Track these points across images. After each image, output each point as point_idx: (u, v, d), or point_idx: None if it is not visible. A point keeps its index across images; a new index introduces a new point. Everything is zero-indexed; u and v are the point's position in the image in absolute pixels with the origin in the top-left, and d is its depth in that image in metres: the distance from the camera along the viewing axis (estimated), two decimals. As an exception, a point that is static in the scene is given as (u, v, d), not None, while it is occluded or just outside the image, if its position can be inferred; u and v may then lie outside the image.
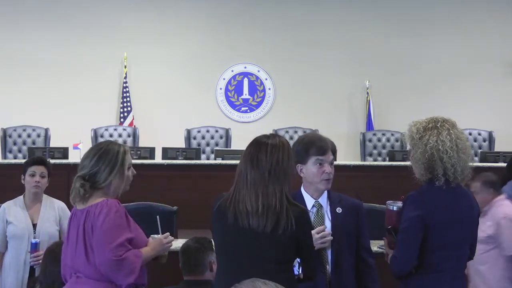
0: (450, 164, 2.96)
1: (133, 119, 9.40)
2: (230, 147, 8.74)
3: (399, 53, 9.89)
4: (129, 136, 8.89)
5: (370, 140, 9.19)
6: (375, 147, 9.16)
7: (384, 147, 9.12)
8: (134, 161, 3.23)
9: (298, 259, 2.83)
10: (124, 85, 9.45)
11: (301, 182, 3.25)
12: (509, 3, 10.09)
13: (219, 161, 7.35)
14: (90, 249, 2.89)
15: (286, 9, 9.84)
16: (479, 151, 8.65)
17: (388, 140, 9.17)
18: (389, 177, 6.92)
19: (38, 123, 8.81)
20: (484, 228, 4.33)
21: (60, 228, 4.44)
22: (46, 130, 8.71)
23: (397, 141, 9.07)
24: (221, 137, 8.98)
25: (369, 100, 9.74)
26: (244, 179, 2.75)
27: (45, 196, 4.48)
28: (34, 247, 4.12)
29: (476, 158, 8.10)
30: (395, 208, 3.08)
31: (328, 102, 9.81)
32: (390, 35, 9.88)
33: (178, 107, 9.59)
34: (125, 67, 9.47)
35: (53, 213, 4.43)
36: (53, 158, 6.93)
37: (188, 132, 8.91)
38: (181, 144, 8.68)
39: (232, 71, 9.88)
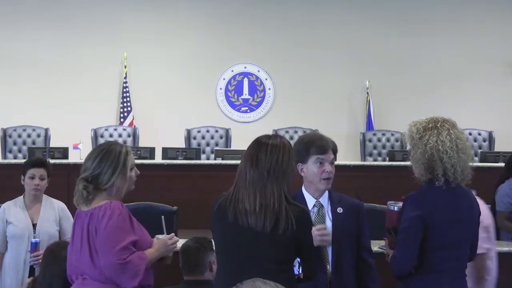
0: (450, 164, 2.96)
1: (133, 119, 9.40)
2: (230, 147, 8.74)
3: (399, 53, 9.89)
4: (129, 136, 8.89)
5: (370, 140, 9.19)
6: (375, 147, 9.16)
7: (384, 147, 9.12)
8: (133, 161, 3.21)
9: (298, 259, 2.83)
10: (124, 85, 9.45)
11: (302, 182, 3.25)
12: (509, 3, 10.09)
13: (219, 161, 7.35)
14: (95, 252, 2.88)
15: (286, 9, 9.84)
16: (479, 151, 8.65)
17: (388, 140, 9.17)
18: (389, 177, 6.93)
19: (38, 123, 8.81)
20: None
21: (60, 228, 4.45)
22: (46, 130, 8.71)
23: (397, 141, 9.07)
24: (221, 137, 8.98)
25: (369, 100, 9.74)
26: (244, 178, 2.76)
27: (45, 196, 4.48)
28: (34, 246, 4.12)
29: (476, 158, 8.10)
30: (396, 209, 3.09)
31: (328, 102, 9.81)
32: (390, 35, 9.88)
33: (178, 107, 9.59)
34: (125, 67, 9.47)
35: (53, 213, 4.43)
36: (53, 158, 6.93)
37: (188, 132, 8.91)
38: (181, 144, 8.68)
39: (232, 71, 9.89)
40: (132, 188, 3.06)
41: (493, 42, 9.95)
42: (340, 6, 9.88)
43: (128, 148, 3.06)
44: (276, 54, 9.84)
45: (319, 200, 3.20)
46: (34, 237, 4.27)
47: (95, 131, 8.75)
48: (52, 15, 9.46)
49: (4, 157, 8.53)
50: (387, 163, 7.84)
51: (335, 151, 3.20)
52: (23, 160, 5.94)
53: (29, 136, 8.71)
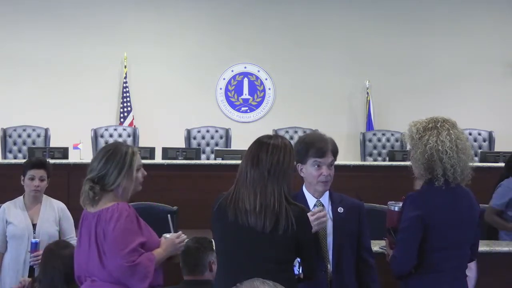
0: (450, 164, 2.96)
1: (133, 119, 9.41)
2: (230, 147, 8.74)
3: (399, 53, 9.89)
4: (129, 136, 8.88)
5: (370, 140, 9.20)
6: (375, 147, 9.16)
7: (384, 147, 9.12)
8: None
9: (298, 259, 2.83)
10: (124, 85, 9.45)
11: (303, 182, 3.25)
12: (509, 3, 10.09)
13: (219, 161, 7.35)
14: (104, 254, 2.87)
15: (286, 9, 9.84)
16: (479, 151, 8.65)
17: (388, 140, 9.17)
18: (389, 177, 6.93)
19: (38, 123, 8.81)
20: None
21: (60, 228, 4.45)
22: (46, 130, 8.71)
23: (397, 141, 9.07)
24: (221, 137, 8.98)
25: (369, 100, 9.74)
26: (244, 178, 2.76)
27: (45, 197, 4.48)
28: (34, 246, 4.13)
29: (476, 158, 8.11)
30: (396, 209, 3.09)
31: (328, 102, 9.82)
32: (390, 35, 9.88)
33: (178, 107, 9.60)
34: (125, 67, 9.47)
35: (52, 214, 4.43)
36: (53, 158, 6.94)
37: (188, 132, 8.91)
38: (181, 144, 8.68)
39: (232, 71, 9.89)
40: (139, 189, 3.05)
41: (493, 42, 9.95)
42: (340, 6, 9.88)
43: (134, 149, 3.04)
44: (276, 54, 9.84)
45: (320, 200, 3.20)
46: (34, 237, 4.27)
47: (95, 131, 8.75)
48: (52, 15, 9.47)
49: (4, 157, 8.53)
50: (387, 163, 7.84)
51: (335, 153, 3.18)
52: (23, 160, 5.94)
53: (29, 136, 8.71)
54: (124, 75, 9.46)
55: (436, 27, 9.94)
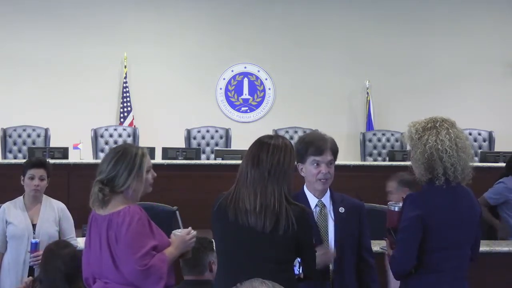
0: (450, 163, 2.95)
1: (133, 119, 9.41)
2: (230, 147, 8.74)
3: (399, 53, 9.89)
4: (129, 136, 8.88)
5: (370, 140, 9.20)
6: (375, 147, 9.16)
7: (384, 147, 9.12)
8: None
9: (298, 259, 2.83)
10: (124, 85, 9.45)
11: (303, 182, 3.25)
12: (509, 3, 10.09)
13: (219, 161, 7.35)
14: (117, 258, 2.86)
15: (286, 9, 9.84)
16: (479, 151, 8.65)
17: (388, 140, 9.17)
18: (389, 177, 6.91)
19: (38, 123, 8.81)
20: None
21: (60, 228, 4.45)
22: (46, 130, 8.71)
23: (397, 141, 9.07)
24: (221, 137, 8.98)
25: (369, 100, 9.74)
26: (245, 178, 2.76)
27: (44, 197, 4.48)
28: (34, 247, 4.13)
29: (476, 158, 8.11)
30: (396, 209, 3.09)
31: (328, 102, 9.81)
32: (390, 35, 9.88)
33: (178, 107, 9.59)
34: (125, 67, 9.47)
35: (52, 214, 4.43)
36: (53, 158, 6.94)
37: (188, 132, 8.91)
38: (181, 144, 8.68)
39: (232, 71, 9.89)
40: (149, 190, 3.03)
41: (493, 42, 9.95)
42: (340, 6, 9.88)
43: (144, 150, 3.02)
44: (276, 54, 9.84)
45: (321, 200, 3.20)
46: (34, 238, 4.27)
47: (95, 131, 8.75)
48: (52, 15, 9.46)
49: (4, 157, 8.53)
50: (387, 163, 7.84)
51: (334, 152, 3.18)
52: (23, 160, 5.94)
53: (29, 136, 8.71)
54: (124, 75, 9.46)
55: (436, 27, 9.94)
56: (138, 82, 9.55)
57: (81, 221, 5.29)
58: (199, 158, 7.55)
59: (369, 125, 9.67)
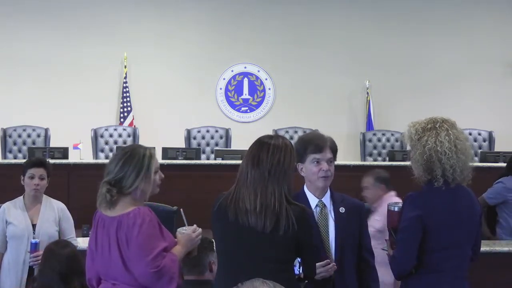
0: (449, 165, 2.95)
1: (133, 119, 9.40)
2: (230, 147, 8.74)
3: (399, 53, 9.89)
4: (129, 136, 8.88)
5: (370, 140, 9.20)
6: (375, 147, 9.16)
7: (384, 147, 9.12)
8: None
9: (298, 259, 2.83)
10: (124, 85, 9.45)
11: (303, 182, 3.25)
12: (509, 3, 10.09)
13: (219, 161, 7.35)
14: (127, 260, 2.84)
15: (286, 9, 9.84)
16: (479, 151, 8.65)
17: (388, 140, 9.17)
18: (389, 177, 6.91)
19: (38, 123, 8.81)
20: (373, 223, 4.40)
21: (60, 228, 4.45)
22: (46, 130, 8.71)
23: (397, 141, 9.07)
24: (221, 137, 8.98)
25: (369, 100, 9.74)
26: (245, 178, 2.77)
27: (44, 197, 4.49)
28: (34, 247, 4.13)
29: (476, 158, 8.11)
30: (396, 209, 3.09)
31: (328, 102, 9.81)
32: (390, 35, 9.88)
33: (178, 107, 9.59)
34: (125, 67, 9.47)
35: (52, 214, 4.44)
36: (53, 158, 6.94)
37: (188, 132, 8.91)
38: (181, 144, 8.68)
39: (232, 71, 9.89)
40: (156, 191, 3.02)
41: (493, 42, 9.95)
42: (340, 6, 9.88)
43: (152, 151, 3.02)
44: (276, 54, 9.84)
45: (322, 200, 3.20)
46: (34, 238, 4.27)
47: (95, 131, 8.75)
48: (52, 15, 9.46)
49: (4, 157, 8.53)
50: (387, 163, 7.84)
51: (334, 150, 3.18)
52: (23, 160, 5.95)
53: (29, 136, 8.71)
54: (124, 75, 9.46)
55: (436, 27, 9.94)
56: (138, 82, 9.55)
57: (81, 221, 5.31)
58: (199, 158, 7.55)
59: (369, 125, 9.67)
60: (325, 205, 3.19)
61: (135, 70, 9.54)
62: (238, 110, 9.88)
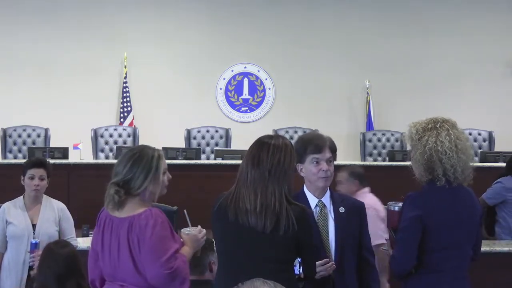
0: (450, 164, 2.95)
1: (133, 119, 9.40)
2: (230, 147, 8.74)
3: (399, 53, 9.89)
4: (129, 136, 8.88)
5: (370, 140, 9.19)
6: (375, 147, 9.16)
7: (384, 147, 9.12)
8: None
9: (298, 259, 2.83)
10: (124, 85, 9.45)
11: (303, 182, 3.25)
12: (509, 3, 10.09)
13: (219, 161, 7.35)
14: (139, 261, 2.82)
15: (286, 9, 9.84)
16: (479, 151, 8.65)
17: (388, 140, 9.17)
18: (389, 177, 6.92)
19: (38, 123, 8.81)
20: None
21: (60, 228, 4.45)
22: (46, 130, 8.71)
23: (397, 141, 9.07)
24: (221, 137, 8.98)
25: (369, 100, 9.74)
26: (245, 178, 2.77)
27: (45, 197, 4.49)
28: (34, 247, 4.13)
29: (476, 158, 8.10)
30: (396, 209, 3.09)
31: (328, 102, 9.81)
32: (390, 35, 9.88)
33: (178, 107, 9.59)
34: (125, 67, 9.47)
35: (52, 214, 4.44)
36: (53, 158, 6.93)
37: (188, 132, 8.91)
38: (181, 144, 8.67)
39: (232, 71, 9.88)
40: (164, 192, 3.01)
41: (493, 42, 9.94)
42: (340, 6, 9.88)
43: (160, 152, 3.00)
44: (276, 54, 9.84)
45: (322, 199, 3.19)
46: (34, 238, 4.27)
47: (95, 131, 8.75)
48: (52, 15, 9.46)
49: (4, 157, 8.53)
50: (387, 163, 7.84)
51: (333, 150, 3.18)
52: (23, 160, 5.95)
53: (29, 136, 8.71)
54: (124, 75, 9.46)
55: (436, 27, 9.93)
56: (138, 82, 9.55)
57: (81, 221, 5.30)
58: (199, 158, 7.55)
59: (369, 125, 9.67)
60: (324, 205, 3.19)
61: (135, 70, 9.54)
62: (238, 110, 9.88)
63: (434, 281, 2.98)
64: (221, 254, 2.85)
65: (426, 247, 2.96)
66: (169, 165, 2.96)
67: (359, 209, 3.23)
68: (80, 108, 9.34)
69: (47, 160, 4.74)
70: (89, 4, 9.54)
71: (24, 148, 8.44)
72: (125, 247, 2.85)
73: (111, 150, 8.63)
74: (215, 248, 2.99)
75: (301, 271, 2.87)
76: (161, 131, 9.26)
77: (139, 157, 2.92)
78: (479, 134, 9.27)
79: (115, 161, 3.43)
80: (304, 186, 3.23)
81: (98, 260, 2.94)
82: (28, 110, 9.21)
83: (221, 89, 9.85)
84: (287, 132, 9.03)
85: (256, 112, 9.90)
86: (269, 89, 9.93)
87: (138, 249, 2.82)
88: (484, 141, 9.27)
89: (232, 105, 9.86)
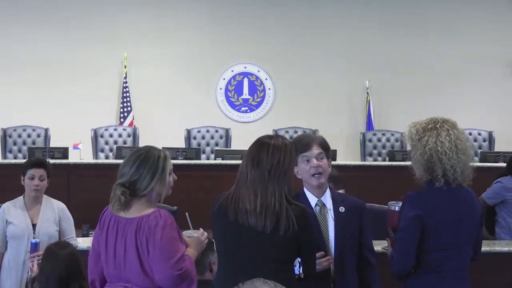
0: (449, 165, 2.95)
1: (133, 119, 9.40)
2: (230, 147, 8.74)
3: (399, 53, 9.89)
4: (129, 136, 8.88)
5: (370, 140, 9.19)
6: (375, 147, 9.16)
7: (384, 147, 9.12)
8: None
9: (298, 259, 2.83)
10: (124, 85, 9.45)
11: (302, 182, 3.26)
12: (509, 3, 10.09)
13: (219, 161, 7.35)
14: (147, 262, 2.82)
15: (286, 9, 9.84)
16: (479, 151, 8.65)
17: (388, 140, 9.17)
18: (389, 177, 6.93)
19: (38, 123, 8.81)
20: None
21: (60, 228, 4.46)
22: (46, 130, 8.71)
23: (397, 141, 9.07)
24: (221, 137, 8.98)
25: (369, 100, 9.74)
26: (245, 178, 2.77)
27: (45, 197, 4.49)
28: (34, 247, 4.13)
29: (476, 158, 8.10)
30: (396, 208, 3.09)
31: (328, 102, 9.81)
32: (390, 35, 9.88)
33: (178, 107, 9.59)
34: (125, 67, 9.47)
35: (52, 214, 4.44)
36: (53, 158, 6.93)
37: (188, 132, 8.91)
38: (181, 144, 8.68)
39: (232, 71, 9.88)
40: (169, 193, 3.01)
41: (493, 42, 9.94)
42: (340, 6, 9.88)
43: (166, 152, 2.99)
44: (276, 54, 9.84)
45: (321, 199, 3.19)
46: (34, 238, 4.28)
47: (95, 131, 8.75)
48: (52, 15, 9.46)
49: (4, 157, 8.53)
50: (387, 163, 7.84)
51: (323, 146, 3.17)
52: (23, 160, 5.95)
53: (29, 136, 8.71)
54: (124, 75, 9.46)
55: (436, 27, 9.94)
56: (138, 82, 9.55)
57: (81, 221, 5.30)
58: (199, 158, 7.55)
59: (369, 125, 9.67)
60: (324, 204, 3.19)
61: (135, 70, 9.54)
62: (238, 110, 9.88)
63: (433, 281, 2.98)
64: (221, 254, 2.85)
65: (426, 247, 2.96)
66: (169, 165, 2.97)
67: (360, 209, 3.23)
68: (80, 108, 9.33)
69: (47, 160, 4.74)
70: (89, 4, 9.54)
71: (24, 148, 8.44)
72: (132, 247, 2.84)
73: (111, 150, 8.63)
74: (215, 248, 2.99)
75: (301, 271, 2.87)
76: (161, 131, 9.26)
77: (145, 158, 2.92)
78: (479, 134, 9.27)
79: (115, 161, 3.44)
80: (304, 186, 3.24)
81: (99, 260, 2.93)
82: (28, 110, 9.21)
83: (221, 89, 9.85)
84: (287, 132, 9.03)
85: (256, 112, 9.90)
86: (269, 89, 9.93)
87: (146, 250, 2.81)
88: (484, 141, 9.27)
89: (232, 105, 9.86)
